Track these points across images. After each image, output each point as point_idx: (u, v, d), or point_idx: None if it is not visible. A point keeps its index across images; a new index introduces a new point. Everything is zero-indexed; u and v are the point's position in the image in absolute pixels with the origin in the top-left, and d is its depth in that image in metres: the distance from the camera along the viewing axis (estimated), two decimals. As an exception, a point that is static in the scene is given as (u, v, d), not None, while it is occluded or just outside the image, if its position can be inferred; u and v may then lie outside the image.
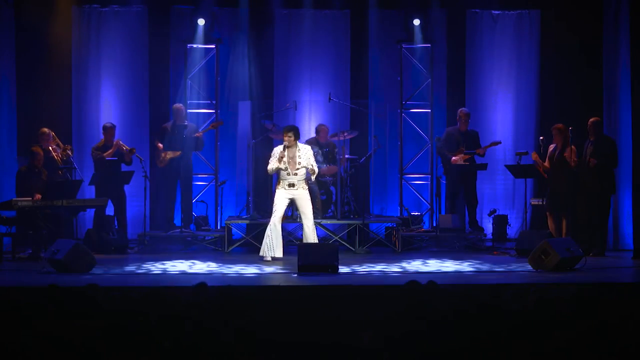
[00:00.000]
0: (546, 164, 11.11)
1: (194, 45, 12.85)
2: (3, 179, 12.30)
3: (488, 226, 12.44)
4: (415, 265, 10.05)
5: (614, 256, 11.15)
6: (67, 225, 11.49)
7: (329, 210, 12.13)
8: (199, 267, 9.92)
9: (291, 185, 10.39)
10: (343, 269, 9.36)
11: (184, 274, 9.43)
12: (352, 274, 9.35)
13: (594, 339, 4.72)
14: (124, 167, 11.86)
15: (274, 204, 10.45)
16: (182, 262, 10.28)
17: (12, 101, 12.48)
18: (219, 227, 12.59)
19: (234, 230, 11.93)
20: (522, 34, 13.12)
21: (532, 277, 9.09)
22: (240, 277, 9.16)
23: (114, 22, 12.87)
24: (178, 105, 12.29)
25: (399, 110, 12.97)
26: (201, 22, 12.60)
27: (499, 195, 13.10)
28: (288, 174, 10.39)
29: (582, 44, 12.58)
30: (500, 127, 13.11)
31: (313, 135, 12.49)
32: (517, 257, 10.68)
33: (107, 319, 4.92)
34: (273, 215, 10.41)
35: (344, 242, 11.61)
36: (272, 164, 10.42)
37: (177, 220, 12.25)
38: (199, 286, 5.81)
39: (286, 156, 10.34)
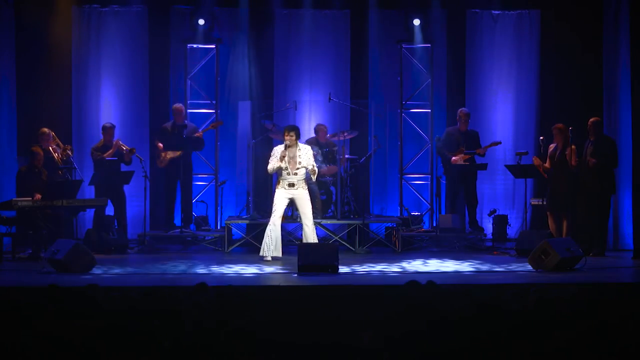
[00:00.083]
0: (547, 164, 11.10)
1: (194, 45, 12.86)
2: (3, 179, 12.30)
3: (488, 226, 12.44)
4: (415, 265, 10.05)
5: (614, 256, 11.15)
6: (67, 225, 11.49)
7: (329, 210, 12.13)
8: (199, 267, 9.92)
9: (291, 185, 10.39)
10: (343, 269, 9.36)
11: (184, 274, 9.43)
12: (352, 274, 9.35)
13: (594, 339, 4.72)
14: (124, 167, 11.87)
15: (274, 204, 10.45)
16: (182, 262, 10.28)
17: (12, 101, 12.47)
18: (219, 227, 12.60)
19: (234, 230, 11.94)
20: (522, 34, 13.12)
21: (532, 277, 9.09)
22: (240, 277, 9.17)
23: (114, 22, 12.86)
24: (178, 105, 12.29)
25: (399, 110, 12.97)
26: (201, 22, 12.60)
27: (499, 195, 13.10)
28: (288, 174, 10.39)
29: (582, 44, 12.58)
30: (500, 127, 13.10)
31: (313, 135, 12.49)
32: (517, 257, 10.68)
33: (107, 319, 4.91)
34: (273, 215, 10.41)
35: (344, 242, 11.62)
36: (273, 163, 10.42)
37: (177, 220, 12.26)
38: (199, 286, 5.81)
39: (287, 155, 10.34)
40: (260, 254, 10.41)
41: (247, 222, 11.87)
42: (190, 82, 12.86)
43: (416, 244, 11.94)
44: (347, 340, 4.81)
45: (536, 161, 11.15)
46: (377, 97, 13.04)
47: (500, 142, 12.34)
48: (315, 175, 10.60)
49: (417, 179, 13.16)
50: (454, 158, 12.01)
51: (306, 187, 10.50)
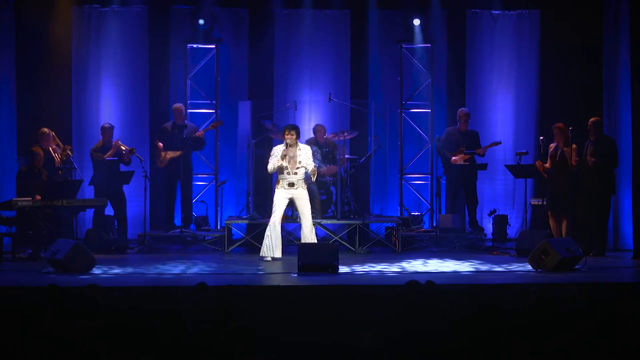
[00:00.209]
0: (547, 164, 11.10)
1: (194, 45, 12.86)
2: (3, 179, 12.30)
3: (488, 226, 12.44)
4: (415, 265, 10.05)
5: (614, 256, 11.15)
6: (67, 225, 11.48)
7: (329, 210, 12.13)
8: (199, 267, 9.92)
9: (291, 184, 10.39)
10: (343, 269, 9.36)
11: (184, 274, 9.43)
12: (352, 274, 9.35)
13: (594, 339, 4.72)
14: (123, 167, 11.86)
15: (274, 204, 10.45)
16: (182, 262, 10.28)
17: (12, 101, 12.47)
18: (219, 227, 12.60)
19: (234, 230, 11.93)
20: (522, 34, 13.12)
21: (532, 277, 9.09)
22: (240, 277, 9.16)
23: (114, 22, 12.85)
24: (178, 105, 12.29)
25: (399, 110, 12.97)
26: (201, 22, 12.60)
27: (499, 195, 13.10)
28: (288, 174, 10.39)
29: (582, 44, 12.58)
30: (500, 127, 13.10)
31: (312, 135, 12.49)
32: (517, 257, 10.67)
33: (107, 319, 4.91)
34: (273, 215, 10.41)
35: (344, 242, 11.62)
36: (273, 163, 10.41)
37: (177, 220, 12.26)
38: (199, 286, 5.81)
39: (287, 155, 10.35)
40: (261, 254, 10.41)
41: (247, 222, 11.86)
42: (190, 82, 12.86)
43: (416, 244, 11.94)
44: (347, 340, 4.81)
45: (538, 165, 11.16)
46: (377, 97, 13.03)
47: (500, 142, 12.34)
48: (315, 176, 10.60)
49: (417, 179, 13.16)
50: (454, 158, 12.01)
51: (306, 187, 10.50)
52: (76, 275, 8.99)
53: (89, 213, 11.92)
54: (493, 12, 13.14)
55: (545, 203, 11.20)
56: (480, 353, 4.63)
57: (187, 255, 11.27)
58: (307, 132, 12.66)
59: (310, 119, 13.10)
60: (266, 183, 11.99)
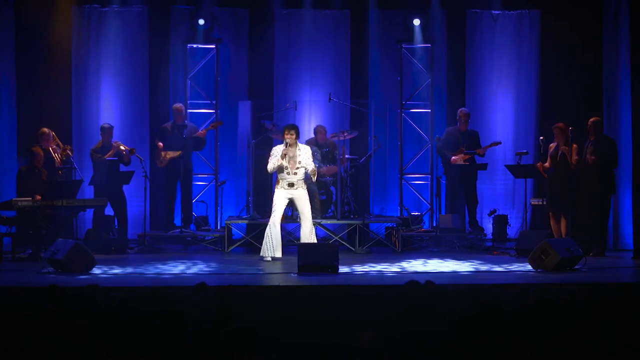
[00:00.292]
0: (547, 164, 11.10)
1: (194, 45, 12.86)
2: (3, 179, 12.30)
3: (488, 226, 12.44)
4: (415, 265, 10.05)
5: (614, 256, 11.15)
6: (67, 225, 11.49)
7: (329, 210, 12.13)
8: (199, 267, 9.92)
9: (290, 184, 10.39)
10: (343, 269, 9.36)
11: (184, 274, 9.43)
12: (352, 274, 9.35)
13: (594, 339, 4.72)
14: (123, 167, 11.86)
15: (274, 204, 10.45)
16: (182, 262, 10.28)
17: (12, 101, 12.47)
18: (219, 227, 12.60)
19: (234, 230, 11.93)
20: (522, 34, 13.12)
21: (532, 277, 9.09)
22: (240, 277, 9.16)
23: (114, 22, 12.85)
24: (178, 105, 12.29)
25: (399, 110, 12.97)
26: (201, 22, 12.60)
27: (499, 195, 13.10)
28: (288, 174, 10.39)
29: (582, 44, 12.58)
30: (500, 127, 13.10)
31: (312, 135, 12.49)
32: (517, 257, 10.67)
33: (107, 319, 4.91)
34: (272, 215, 10.41)
35: (344, 242, 11.62)
36: (273, 162, 10.41)
37: (177, 220, 12.26)
38: (199, 286, 5.81)
39: (287, 155, 10.35)
40: (261, 254, 10.41)
41: (247, 222, 11.87)
42: (190, 82, 12.86)
43: (416, 244, 11.94)
44: (347, 340, 4.81)
45: (539, 166, 11.16)
46: (377, 97, 13.03)
47: (500, 142, 12.34)
48: (315, 176, 10.60)
49: (417, 179, 13.16)
50: (454, 158, 12.02)
51: (305, 187, 10.50)
52: (76, 275, 8.99)
53: (89, 213, 11.92)
54: (493, 12, 13.14)
55: (545, 203, 11.20)
56: (480, 353, 4.63)
57: (187, 255, 11.27)
58: (307, 132, 12.66)
59: (310, 119, 13.10)
60: (266, 183, 11.99)
